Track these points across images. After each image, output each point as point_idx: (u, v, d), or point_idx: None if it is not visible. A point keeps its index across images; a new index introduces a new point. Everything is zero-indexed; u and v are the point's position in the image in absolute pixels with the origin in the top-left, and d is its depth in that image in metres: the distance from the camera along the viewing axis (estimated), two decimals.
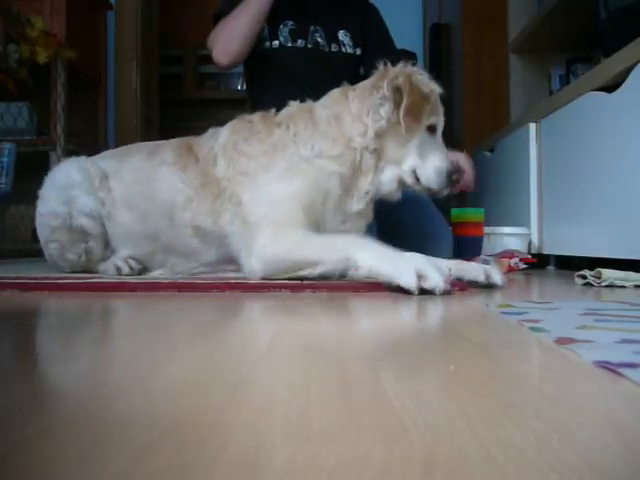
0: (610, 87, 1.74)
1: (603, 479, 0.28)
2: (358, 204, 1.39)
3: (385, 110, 1.34)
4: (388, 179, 1.39)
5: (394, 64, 1.40)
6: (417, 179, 1.38)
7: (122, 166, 1.55)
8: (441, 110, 1.41)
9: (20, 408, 0.40)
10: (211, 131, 1.53)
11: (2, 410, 0.40)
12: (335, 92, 1.46)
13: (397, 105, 1.33)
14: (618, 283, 1.32)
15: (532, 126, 2.34)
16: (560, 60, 2.82)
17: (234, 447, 0.32)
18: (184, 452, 0.31)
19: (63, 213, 1.50)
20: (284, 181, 1.32)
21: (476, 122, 3.18)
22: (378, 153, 1.37)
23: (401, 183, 1.40)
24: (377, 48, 2.02)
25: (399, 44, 2.15)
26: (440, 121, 1.41)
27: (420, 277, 1.07)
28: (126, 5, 3.60)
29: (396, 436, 0.33)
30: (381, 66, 1.41)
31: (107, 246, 1.57)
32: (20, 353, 0.64)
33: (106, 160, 1.60)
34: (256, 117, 1.47)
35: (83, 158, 1.62)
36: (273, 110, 1.48)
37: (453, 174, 1.37)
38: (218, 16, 1.92)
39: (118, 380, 0.50)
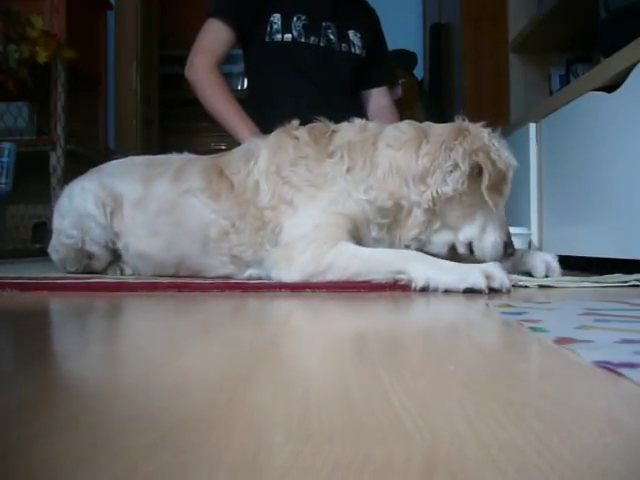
0: (610, 87, 1.74)
1: (603, 479, 0.28)
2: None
3: (454, 179, 1.23)
4: (440, 243, 1.29)
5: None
6: (471, 250, 1.29)
7: (144, 193, 1.46)
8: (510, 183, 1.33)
9: (20, 407, 0.40)
10: (242, 150, 1.42)
11: (3, 409, 0.40)
12: (408, 131, 1.31)
13: (471, 178, 1.24)
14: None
15: (532, 126, 2.34)
16: (560, 60, 2.81)
17: (234, 447, 0.32)
18: (184, 452, 0.31)
19: (76, 236, 1.49)
20: (324, 212, 1.25)
21: (476, 122, 3.18)
22: (433, 212, 1.26)
23: (451, 249, 1.30)
24: (376, 58, 2.03)
25: (399, 44, 2.16)
26: (507, 194, 1.34)
27: (487, 277, 1.09)
28: (126, 5, 3.60)
29: (396, 436, 0.33)
30: (458, 120, 1.33)
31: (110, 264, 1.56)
32: (20, 353, 0.64)
33: (124, 182, 1.50)
34: (305, 133, 1.33)
35: (98, 181, 1.52)
36: (330, 126, 1.34)
37: (508, 247, 1.30)
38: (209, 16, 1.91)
39: (118, 379, 0.50)
